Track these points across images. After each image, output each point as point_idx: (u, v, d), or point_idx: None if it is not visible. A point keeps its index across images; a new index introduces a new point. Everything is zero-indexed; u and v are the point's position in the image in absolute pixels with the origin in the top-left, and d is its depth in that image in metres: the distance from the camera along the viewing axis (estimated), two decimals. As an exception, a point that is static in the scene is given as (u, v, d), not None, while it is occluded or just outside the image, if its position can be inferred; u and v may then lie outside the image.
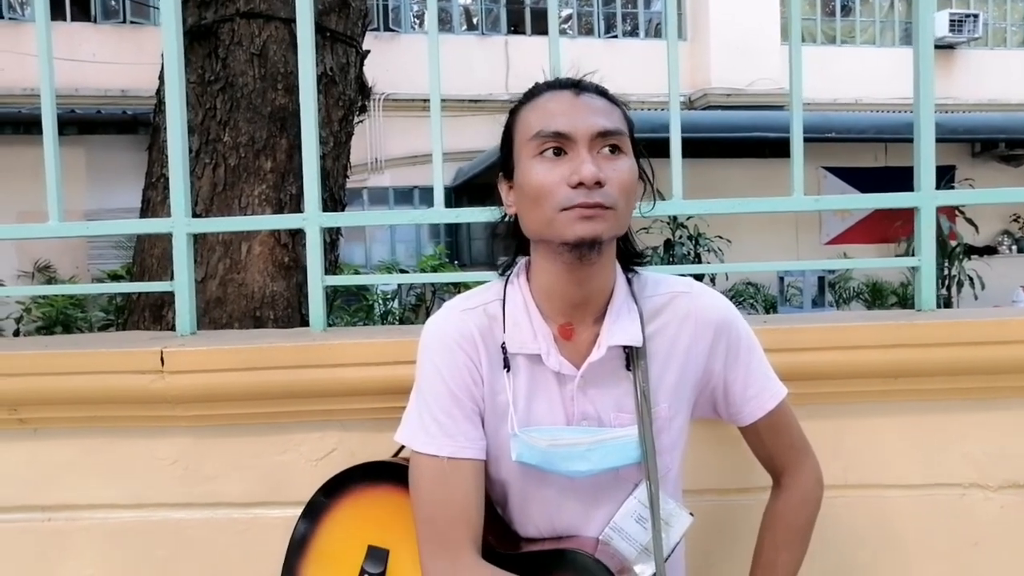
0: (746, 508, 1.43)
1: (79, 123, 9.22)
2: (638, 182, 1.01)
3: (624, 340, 1.01)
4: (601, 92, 1.01)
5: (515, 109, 1.03)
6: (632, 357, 1.02)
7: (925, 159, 1.52)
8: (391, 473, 1.10)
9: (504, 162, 1.04)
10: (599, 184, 0.93)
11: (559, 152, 0.96)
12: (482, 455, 1.01)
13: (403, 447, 1.12)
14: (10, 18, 9.88)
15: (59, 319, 6.61)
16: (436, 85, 1.52)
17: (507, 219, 1.08)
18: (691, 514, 1.08)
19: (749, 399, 1.10)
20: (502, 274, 1.09)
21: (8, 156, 8.41)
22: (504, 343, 1.02)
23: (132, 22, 10.09)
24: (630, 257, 1.09)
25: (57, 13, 9.90)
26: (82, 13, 10.12)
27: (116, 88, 9.60)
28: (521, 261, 1.09)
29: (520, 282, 1.06)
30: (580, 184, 0.93)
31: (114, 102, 9.52)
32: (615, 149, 0.97)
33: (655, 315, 1.05)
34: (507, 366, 1.02)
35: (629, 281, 1.07)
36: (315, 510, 1.11)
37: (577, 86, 1.00)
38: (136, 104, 8.89)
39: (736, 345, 1.08)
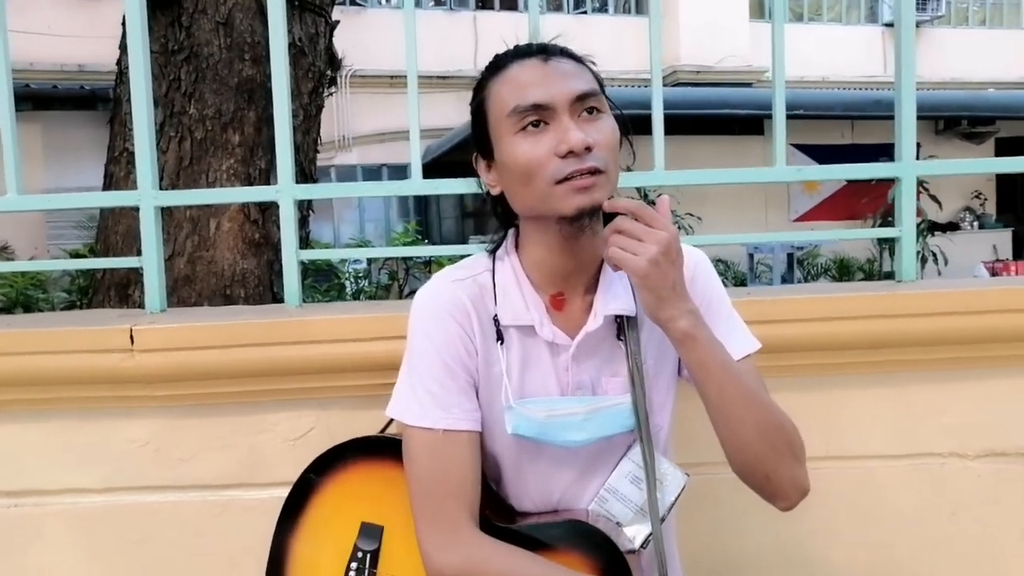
0: (736, 481, 1.43)
1: (34, 98, 8.92)
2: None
3: (619, 309, 1.00)
4: (568, 54, 0.98)
5: (482, 83, 1.00)
6: (623, 325, 1.01)
7: (906, 130, 1.52)
8: (383, 448, 1.07)
9: (479, 141, 1.01)
10: (589, 149, 0.91)
11: (540, 124, 0.93)
12: (477, 427, 0.99)
13: (390, 423, 1.09)
14: (-41, -11, 9.49)
15: (19, 300, 6.42)
16: (413, 56, 1.47)
17: (487, 196, 1.05)
18: (686, 474, 1.07)
19: None
20: (490, 253, 1.06)
21: (-39, 133, 8.14)
22: (496, 315, 1.00)
23: (89, -6, 9.77)
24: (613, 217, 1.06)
25: (9, -16, 9.54)
26: (35, -16, 9.77)
27: (73, 63, 9.29)
28: (509, 234, 1.06)
29: (509, 255, 1.04)
30: (570, 153, 0.90)
31: (72, 77, 9.21)
32: (595, 111, 0.95)
33: None
34: (500, 338, 0.99)
35: None
36: (304, 488, 1.08)
37: (544, 51, 0.96)
38: (95, 79, 8.62)
39: (709, 291, 1.05)
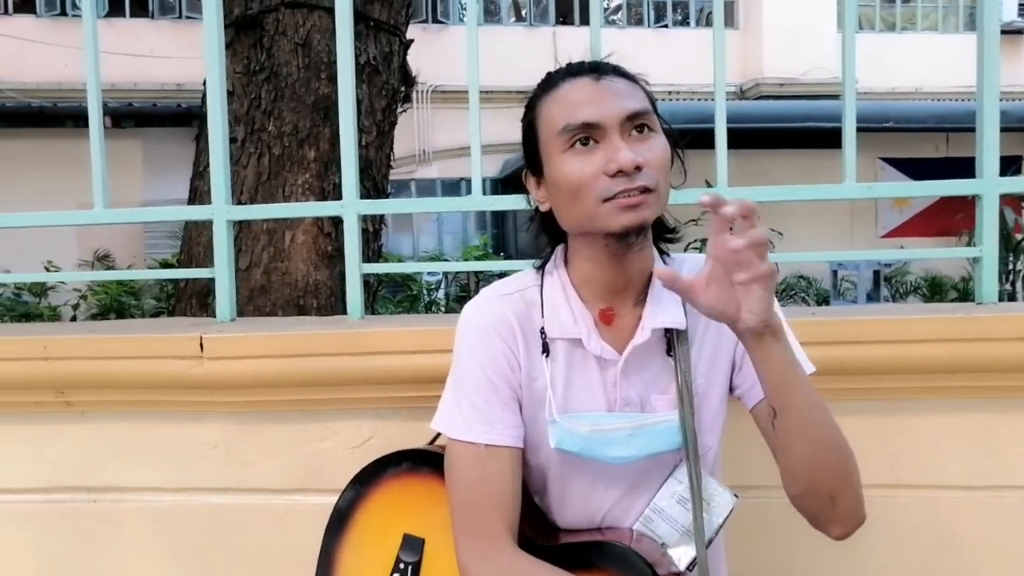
0: (790, 507, 1.39)
1: (136, 116, 9.48)
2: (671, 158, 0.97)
3: (668, 322, 0.99)
4: (621, 73, 0.98)
5: (533, 101, 1.01)
6: (673, 340, 1.00)
7: (989, 144, 1.45)
8: (428, 461, 1.09)
9: (530, 158, 1.02)
10: (638, 168, 0.91)
11: (588, 142, 0.93)
12: (520, 443, 0.99)
13: (439, 435, 1.11)
14: (74, 15, 10.19)
15: (113, 306, 6.80)
16: (475, 71, 1.50)
17: (536, 213, 1.05)
18: (735, 495, 1.04)
19: None
20: (538, 269, 1.06)
21: (70, 148, 8.68)
22: (543, 327, 1.00)
23: (188, 17, 10.33)
24: (662, 233, 1.05)
25: (116, 10, 10.19)
26: (140, 9, 10.39)
27: (172, 82, 9.84)
28: (558, 248, 1.06)
29: (558, 269, 1.04)
30: (619, 172, 0.91)
31: (170, 96, 9.76)
32: (645, 129, 0.94)
33: None
34: (546, 351, 1.00)
35: (666, 262, 1.05)
36: (352, 497, 1.11)
37: (597, 70, 0.97)
38: (191, 97, 9.08)
39: None
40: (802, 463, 0.93)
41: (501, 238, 11.30)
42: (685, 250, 1.12)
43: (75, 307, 7.55)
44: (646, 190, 0.91)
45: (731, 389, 1.07)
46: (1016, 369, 1.33)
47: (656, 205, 0.94)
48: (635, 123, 0.94)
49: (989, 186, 1.44)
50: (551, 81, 0.99)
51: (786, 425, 0.92)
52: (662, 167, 0.94)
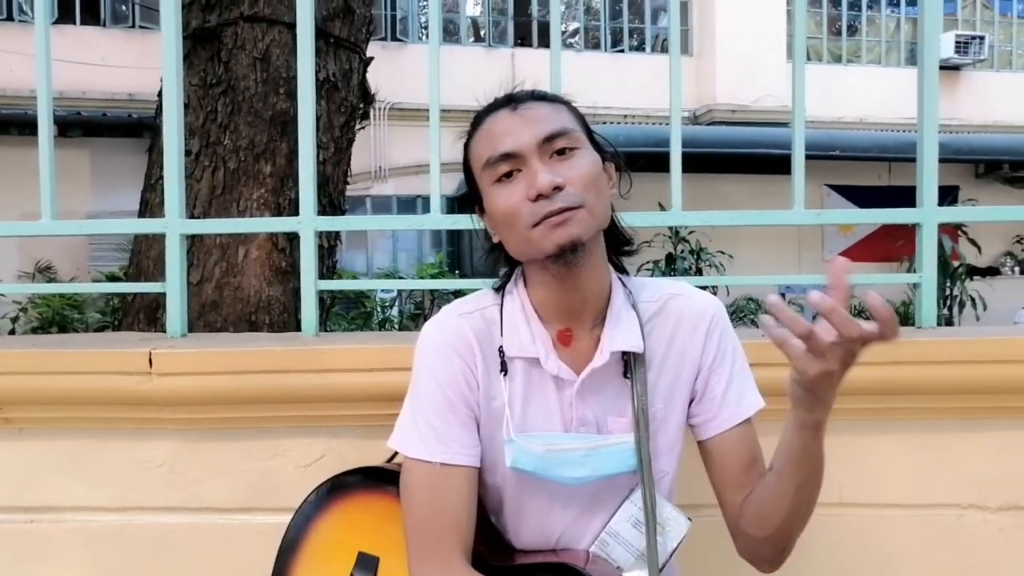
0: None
1: (84, 125, 9.23)
2: (604, 172, 0.99)
3: (625, 345, 1.00)
4: (539, 96, 1.00)
5: (467, 142, 1.03)
6: (631, 363, 1.01)
7: (928, 175, 1.51)
8: (383, 479, 1.08)
9: (474, 194, 1.04)
10: (558, 188, 0.92)
11: (513, 173, 0.95)
12: (476, 462, 1.00)
13: (396, 454, 1.10)
14: (20, 20, 9.92)
15: (55, 320, 6.60)
16: (435, 88, 1.51)
17: (491, 245, 1.07)
18: (689, 519, 1.05)
19: (728, 403, 1.04)
20: (498, 290, 1.07)
21: (13, 156, 8.42)
22: (502, 346, 1.01)
23: (141, 26, 10.12)
24: (619, 245, 1.07)
25: (66, 16, 9.94)
26: (91, 17, 10.16)
27: (123, 92, 9.62)
28: (518, 269, 1.07)
29: (518, 288, 1.05)
30: (540, 196, 0.92)
31: (121, 105, 9.53)
32: (566, 150, 0.96)
33: (651, 317, 1.05)
34: (504, 369, 1.00)
35: (624, 284, 1.06)
36: (306, 514, 1.09)
37: (511, 100, 0.99)
38: (142, 108, 8.90)
39: (725, 344, 1.06)
40: (780, 513, 0.96)
41: (456, 256, 11.28)
42: (637, 272, 1.14)
43: (14, 320, 7.29)
44: (570, 208, 0.93)
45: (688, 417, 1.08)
46: (954, 391, 1.38)
47: (588, 220, 0.94)
48: (554, 146, 0.95)
49: (928, 215, 1.50)
50: (477, 119, 1.02)
51: (783, 481, 0.95)
52: (588, 182, 0.94)
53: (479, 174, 0.99)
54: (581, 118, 1.01)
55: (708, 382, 1.06)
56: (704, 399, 1.06)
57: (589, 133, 1.01)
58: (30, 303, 7.16)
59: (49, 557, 1.41)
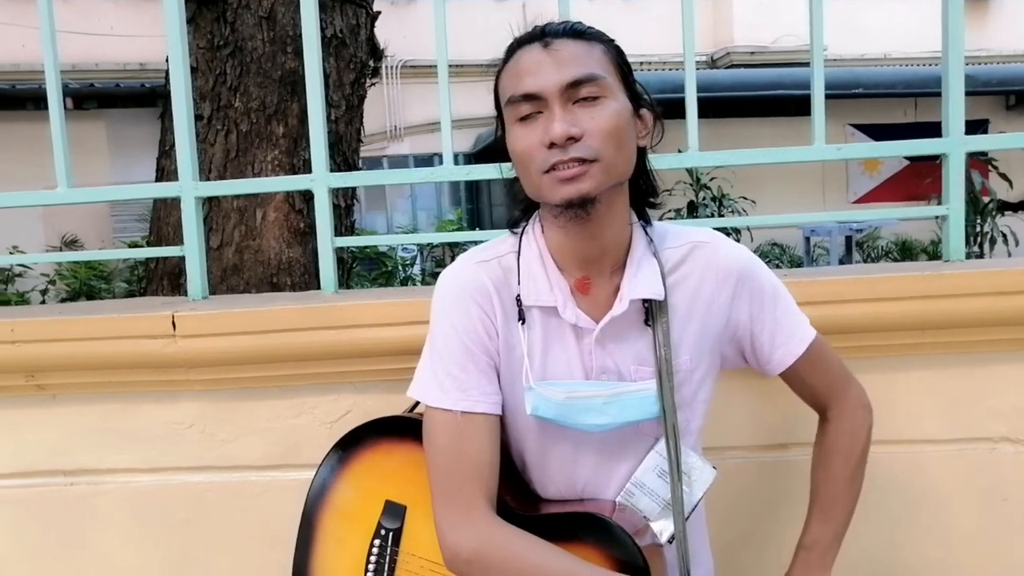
0: (771, 465, 1.41)
1: (99, 96, 9.25)
2: (634, 119, 0.96)
3: (646, 293, 0.98)
4: (575, 33, 0.95)
5: (498, 72, 1.00)
6: (652, 310, 1.00)
7: (954, 104, 1.46)
8: (409, 429, 1.08)
9: (502, 126, 1.02)
10: (573, 139, 0.90)
11: (535, 115, 0.93)
12: (497, 410, 0.99)
13: (417, 403, 1.11)
14: (29, -6, 9.90)
15: (83, 290, 6.70)
16: (443, 44, 1.48)
17: (511, 181, 1.06)
18: (714, 468, 1.05)
19: (777, 347, 1.06)
20: (512, 229, 1.06)
21: (31, 131, 8.48)
22: (519, 295, 1.00)
23: (149, -6, 10.07)
24: (644, 195, 1.05)
25: (74, -13, 9.90)
26: (99, -13, 10.11)
27: (135, 62, 9.61)
28: (535, 215, 1.06)
29: (535, 235, 1.03)
30: (553, 144, 0.90)
31: (134, 75, 9.53)
32: (591, 97, 0.92)
33: (675, 267, 1.02)
34: (522, 318, 0.99)
35: (647, 232, 1.03)
36: (333, 464, 1.11)
37: (544, 35, 0.95)
38: (155, 77, 8.88)
39: (760, 294, 1.05)
40: None
41: (476, 213, 11.25)
42: (660, 219, 1.12)
43: (43, 292, 7.43)
44: (582, 160, 0.90)
45: (745, 362, 1.10)
46: (983, 323, 1.35)
47: (601, 176, 0.91)
48: (580, 92, 0.91)
49: (955, 145, 1.46)
50: (509, 50, 0.99)
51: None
52: (608, 134, 0.91)
53: (504, 108, 0.97)
54: (618, 60, 0.97)
55: (752, 333, 1.06)
56: (755, 348, 1.07)
57: (625, 77, 0.97)
58: (58, 275, 7.27)
59: (90, 518, 1.45)
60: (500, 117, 1.01)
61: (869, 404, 1.13)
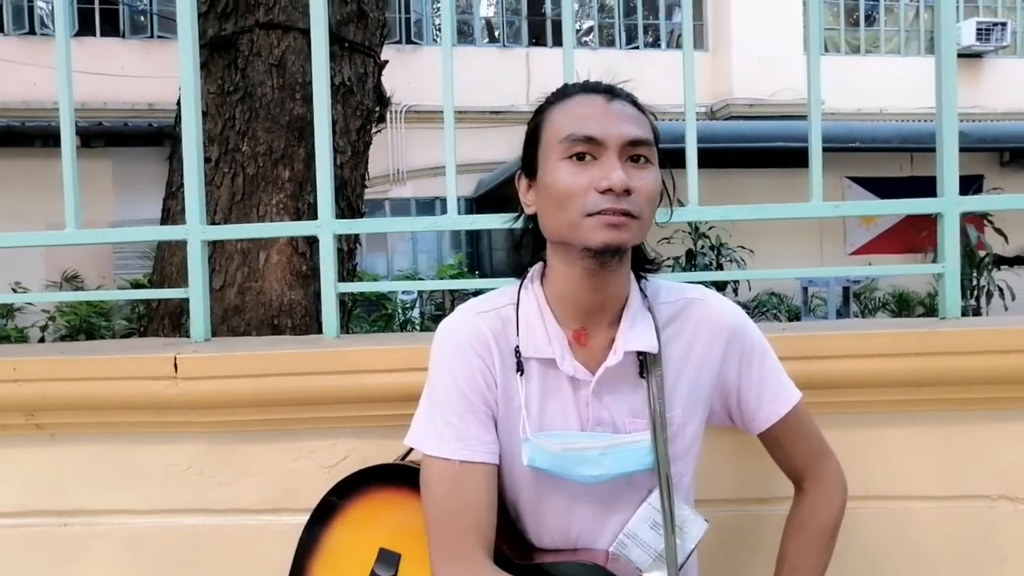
0: (764, 519, 1.40)
1: (106, 135, 9.39)
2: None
3: (640, 346, 1.00)
4: (632, 101, 1.01)
5: (543, 107, 1.03)
6: (647, 363, 1.01)
7: (948, 164, 1.50)
8: (404, 476, 1.09)
9: (528, 160, 1.03)
10: (627, 192, 0.93)
11: (588, 157, 0.95)
12: (495, 459, 1.00)
13: (411, 450, 1.11)
14: (42, 33, 10.10)
15: (83, 327, 6.70)
16: (450, 90, 1.52)
17: (521, 218, 1.08)
18: (706, 520, 1.06)
19: (763, 405, 1.08)
20: (518, 277, 1.08)
21: (39, 168, 8.58)
22: (518, 346, 1.01)
23: (159, 36, 10.27)
24: (641, 263, 1.07)
25: (87, 29, 10.12)
26: (111, 28, 10.33)
27: (144, 102, 9.77)
28: (536, 267, 1.08)
29: (535, 287, 1.05)
30: (609, 190, 0.93)
31: (142, 115, 9.68)
32: (643, 159, 0.97)
33: (669, 321, 1.05)
34: (520, 369, 1.01)
35: (642, 288, 1.06)
36: (326, 511, 1.10)
37: (611, 92, 1.00)
38: (163, 117, 9.03)
39: (749, 351, 1.07)
40: None
41: (476, 257, 11.31)
42: (658, 270, 1.14)
43: (43, 328, 7.43)
44: (630, 215, 0.93)
45: (731, 420, 1.11)
46: (978, 382, 1.36)
47: (638, 232, 0.96)
48: (635, 151, 0.96)
49: (950, 204, 1.49)
50: (565, 91, 1.02)
51: None
52: (650, 199, 0.96)
53: (550, 143, 0.98)
54: (657, 136, 1.01)
55: (739, 389, 1.08)
56: (741, 406, 1.09)
57: (659, 154, 1.01)
58: (58, 311, 7.28)
59: (83, 560, 1.43)
60: (530, 152, 1.03)
61: (845, 482, 1.15)
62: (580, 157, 0.95)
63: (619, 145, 0.94)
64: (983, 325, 1.39)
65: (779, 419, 1.08)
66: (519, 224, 1.10)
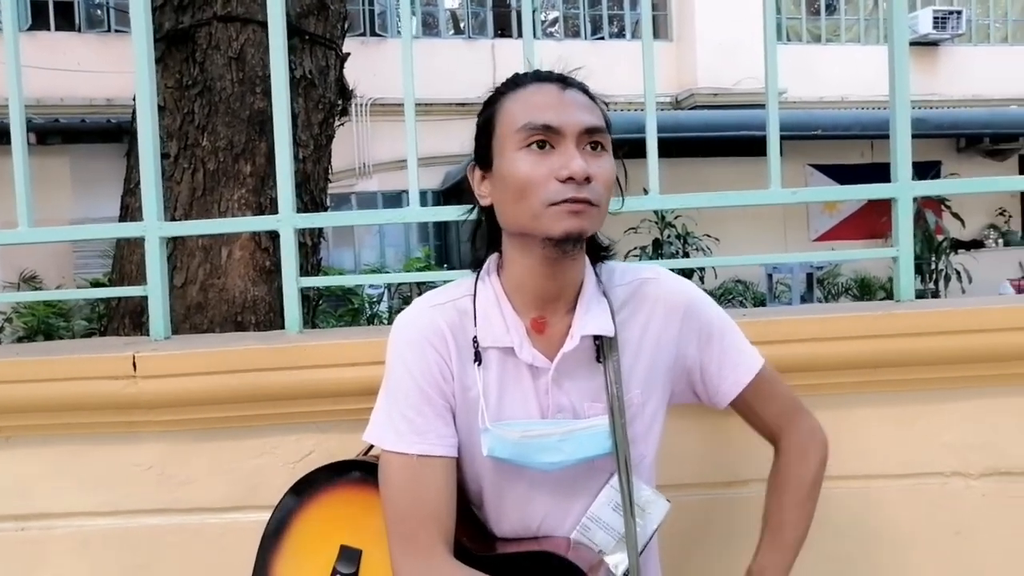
0: (729, 502, 1.43)
1: (63, 132, 9.17)
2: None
3: (596, 330, 1.01)
4: (584, 89, 1.01)
5: (495, 97, 1.02)
6: (603, 347, 1.02)
7: (902, 150, 1.53)
8: (363, 472, 1.08)
9: (481, 151, 1.03)
10: (588, 180, 0.93)
11: (545, 145, 0.95)
12: (453, 452, 1.00)
13: (372, 447, 1.11)
14: (-8, 29, 9.81)
15: (41, 329, 6.56)
16: (410, 82, 1.51)
17: (475, 210, 1.07)
18: (668, 501, 1.07)
19: (725, 378, 1.09)
20: (474, 270, 1.08)
21: (-8, 167, 8.37)
22: (475, 336, 1.01)
23: (116, 30, 10.04)
24: (596, 250, 1.08)
25: (40, 22, 9.85)
26: (66, 22, 10.07)
27: (101, 97, 9.54)
28: (492, 258, 1.08)
29: (491, 278, 1.05)
30: (570, 179, 0.92)
31: (100, 111, 9.45)
32: (599, 146, 0.97)
33: (624, 303, 1.05)
34: (478, 359, 1.01)
35: (596, 272, 1.06)
36: (286, 509, 1.09)
37: (564, 81, 0.99)
38: (121, 113, 8.83)
39: (707, 327, 1.08)
40: None
41: (444, 250, 11.27)
42: (625, 258, 1.15)
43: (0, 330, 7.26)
44: (590, 203, 0.94)
45: (695, 396, 1.12)
46: (934, 362, 1.39)
47: (597, 219, 0.96)
48: (592, 138, 0.96)
49: (903, 189, 1.52)
50: (517, 81, 1.01)
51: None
52: (608, 186, 0.97)
53: (506, 133, 0.98)
54: (609, 124, 1.02)
55: (701, 364, 1.09)
56: (704, 381, 1.10)
57: (612, 142, 1.02)
58: (15, 313, 7.12)
59: (41, 564, 1.41)
60: (483, 143, 1.02)
61: (824, 437, 1.15)
62: (540, 146, 0.95)
63: (576, 133, 0.95)
64: (935, 307, 1.43)
65: (743, 389, 1.09)
66: (474, 216, 1.09)
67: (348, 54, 2.80)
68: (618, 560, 1.02)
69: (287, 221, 1.49)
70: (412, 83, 1.51)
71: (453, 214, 1.49)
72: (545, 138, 0.95)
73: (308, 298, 2.58)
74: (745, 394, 1.10)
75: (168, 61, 2.38)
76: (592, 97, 1.01)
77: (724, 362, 1.09)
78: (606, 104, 1.03)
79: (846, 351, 1.38)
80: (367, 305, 8.05)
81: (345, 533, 1.06)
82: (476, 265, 1.08)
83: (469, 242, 1.11)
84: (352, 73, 2.89)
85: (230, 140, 2.38)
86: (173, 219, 2.25)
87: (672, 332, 1.06)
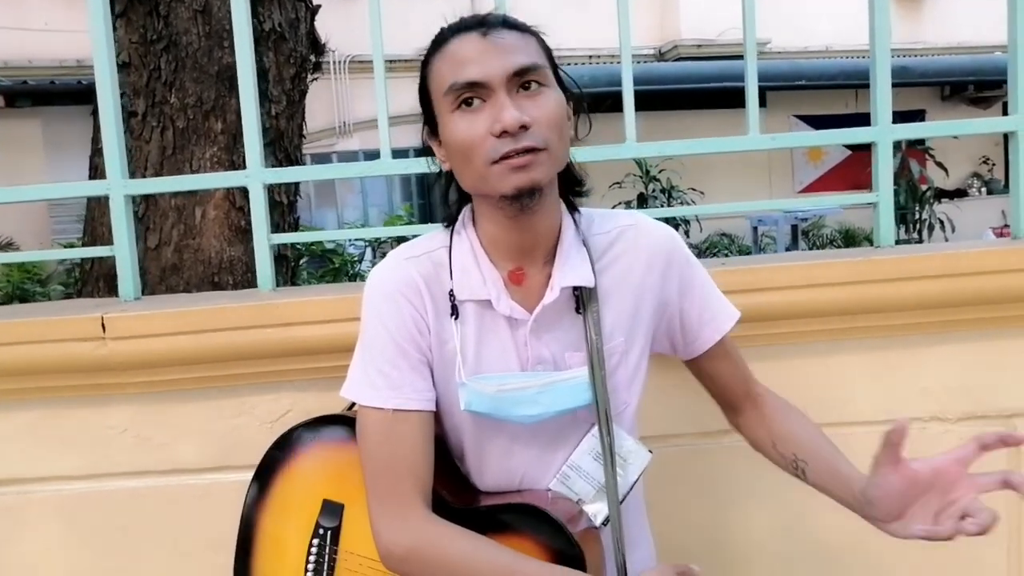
0: (707, 451, 1.43)
1: (33, 95, 8.94)
2: (568, 111, 0.96)
3: (575, 280, 0.98)
4: (511, 25, 0.95)
5: (426, 60, 0.98)
6: (582, 298, 1.00)
7: (882, 94, 1.50)
8: (345, 427, 1.07)
9: (428, 118, 0.99)
10: (524, 127, 0.89)
11: (473, 102, 0.91)
12: (430, 406, 0.99)
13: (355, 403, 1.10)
14: (-45, -12, 9.50)
15: (16, 294, 6.48)
16: (378, 36, 1.46)
17: (442, 174, 1.04)
18: (649, 451, 1.06)
19: (705, 323, 1.07)
20: (447, 226, 1.05)
21: (-42, 131, 8.18)
22: (452, 290, 0.99)
23: (84, -12, 9.74)
24: (571, 185, 1.05)
25: (4, -19, 9.54)
26: (31, -20, 9.75)
27: (71, 58, 9.28)
28: (467, 208, 1.05)
29: (467, 230, 1.02)
30: (504, 133, 0.88)
31: (70, 73, 9.20)
32: (534, 84, 0.92)
33: (604, 251, 1.03)
34: (455, 313, 0.99)
35: (575, 220, 1.04)
36: (270, 465, 1.09)
37: (483, 24, 0.93)
38: (91, 74, 8.62)
39: (689, 272, 1.07)
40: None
41: (428, 208, 11.18)
42: (589, 192, 1.11)
43: (-28, 297, 7.17)
44: (533, 150, 0.89)
45: (671, 345, 1.10)
46: (912, 307, 1.39)
47: (548, 165, 0.92)
48: (524, 79, 0.91)
49: (883, 133, 1.50)
50: (441, 38, 0.96)
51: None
52: (553, 123, 0.91)
53: (438, 97, 0.94)
54: (549, 53, 0.97)
55: (682, 310, 1.07)
56: (683, 327, 1.08)
57: (555, 70, 0.96)
58: (-10, 279, 7.02)
59: (19, 529, 1.40)
60: (427, 110, 0.99)
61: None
62: (468, 103, 0.91)
63: (503, 80, 0.89)
64: (914, 252, 1.42)
65: (723, 336, 1.08)
66: (439, 178, 1.06)
67: (319, 6, 2.72)
68: (597, 509, 1.01)
69: (255, 176, 1.45)
70: (380, 33, 1.47)
71: (423, 166, 1.46)
72: (472, 95, 0.90)
73: (286, 258, 2.54)
74: (718, 348, 1.09)
75: (131, 15, 2.30)
76: (524, 29, 0.95)
77: (706, 308, 1.07)
78: (540, 33, 0.97)
79: (826, 298, 1.38)
80: (348, 265, 7.99)
81: (328, 487, 1.05)
82: (450, 221, 1.05)
83: (441, 203, 1.08)
84: (328, 29, 2.81)
85: (199, 97, 2.31)
86: (144, 178, 2.20)
87: (655, 278, 1.04)
